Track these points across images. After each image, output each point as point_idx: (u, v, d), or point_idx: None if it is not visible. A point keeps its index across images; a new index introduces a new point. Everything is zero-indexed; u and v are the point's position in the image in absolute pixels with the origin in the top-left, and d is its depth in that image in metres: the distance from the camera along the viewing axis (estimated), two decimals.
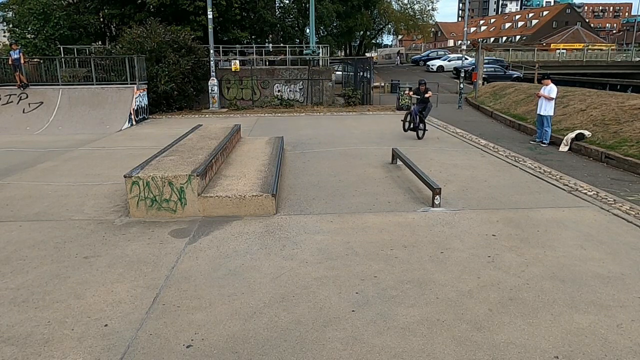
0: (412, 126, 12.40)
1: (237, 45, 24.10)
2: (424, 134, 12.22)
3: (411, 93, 13.25)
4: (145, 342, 3.57)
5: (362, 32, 44.32)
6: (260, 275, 4.66)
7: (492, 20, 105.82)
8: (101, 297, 4.23)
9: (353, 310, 3.99)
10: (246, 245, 5.42)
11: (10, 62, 16.21)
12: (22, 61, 16.24)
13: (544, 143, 11.93)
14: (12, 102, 15.77)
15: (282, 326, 3.77)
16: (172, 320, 3.87)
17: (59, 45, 22.31)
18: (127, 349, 3.49)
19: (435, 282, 4.50)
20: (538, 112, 12.05)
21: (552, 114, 11.85)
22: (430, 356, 3.38)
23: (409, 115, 12.50)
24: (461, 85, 20.05)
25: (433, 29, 70.44)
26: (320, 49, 24.02)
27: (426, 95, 12.37)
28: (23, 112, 15.56)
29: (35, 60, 18.10)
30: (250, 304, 4.12)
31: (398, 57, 50.15)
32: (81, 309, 4.04)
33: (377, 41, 54.85)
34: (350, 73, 23.23)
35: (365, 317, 3.88)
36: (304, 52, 24.14)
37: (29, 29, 23.54)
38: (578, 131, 11.44)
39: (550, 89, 11.69)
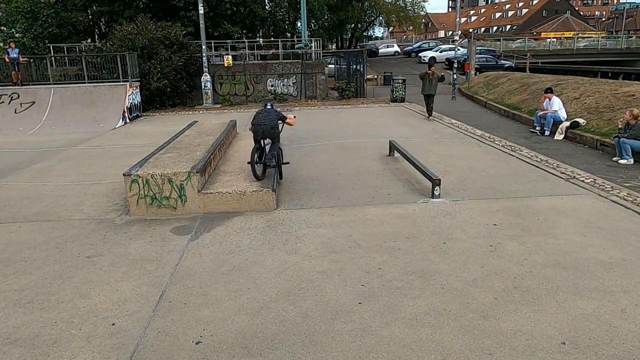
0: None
1: (229, 40, 23.93)
2: None
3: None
4: (154, 339, 3.57)
5: (353, 25, 44.17)
6: (265, 270, 4.67)
7: (483, 10, 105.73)
8: (107, 296, 4.22)
9: (360, 303, 4.01)
10: (249, 240, 5.42)
11: (7, 60, 16.13)
12: (20, 60, 16.29)
13: (544, 132, 11.83)
14: (3, 102, 15.57)
15: (290, 320, 3.78)
16: (179, 317, 3.87)
17: (48, 44, 22.04)
18: (137, 347, 3.49)
19: (439, 272, 4.53)
20: (546, 114, 11.87)
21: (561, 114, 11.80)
22: (439, 345, 3.41)
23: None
24: (454, 76, 20.05)
25: (424, 20, 70.32)
26: (313, 42, 23.90)
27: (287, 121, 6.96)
28: (15, 112, 15.38)
29: (24, 59, 17.92)
30: (256, 299, 4.12)
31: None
32: (87, 308, 4.03)
33: (369, 34, 54.69)
34: (343, 66, 23.14)
35: (372, 309, 3.90)
36: (296, 45, 23.99)
37: (17, 27, 23.25)
38: (573, 119, 11.52)
39: (553, 102, 11.78)
